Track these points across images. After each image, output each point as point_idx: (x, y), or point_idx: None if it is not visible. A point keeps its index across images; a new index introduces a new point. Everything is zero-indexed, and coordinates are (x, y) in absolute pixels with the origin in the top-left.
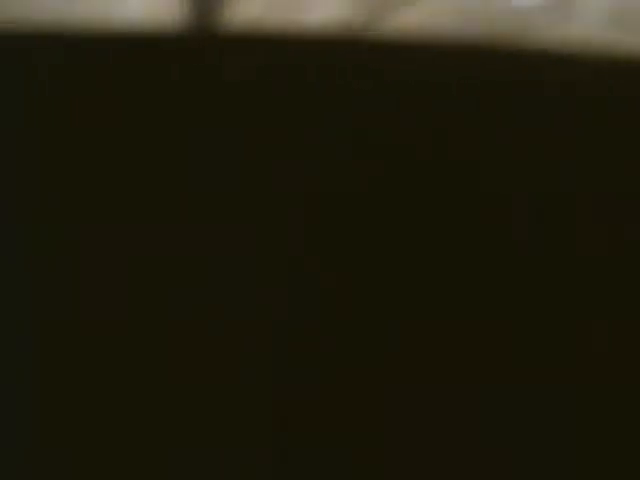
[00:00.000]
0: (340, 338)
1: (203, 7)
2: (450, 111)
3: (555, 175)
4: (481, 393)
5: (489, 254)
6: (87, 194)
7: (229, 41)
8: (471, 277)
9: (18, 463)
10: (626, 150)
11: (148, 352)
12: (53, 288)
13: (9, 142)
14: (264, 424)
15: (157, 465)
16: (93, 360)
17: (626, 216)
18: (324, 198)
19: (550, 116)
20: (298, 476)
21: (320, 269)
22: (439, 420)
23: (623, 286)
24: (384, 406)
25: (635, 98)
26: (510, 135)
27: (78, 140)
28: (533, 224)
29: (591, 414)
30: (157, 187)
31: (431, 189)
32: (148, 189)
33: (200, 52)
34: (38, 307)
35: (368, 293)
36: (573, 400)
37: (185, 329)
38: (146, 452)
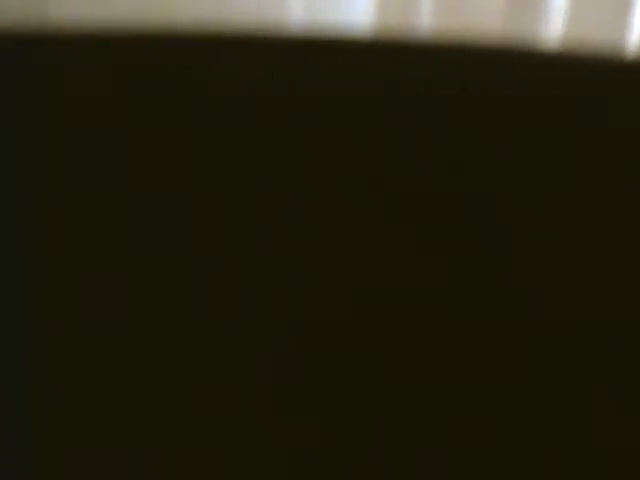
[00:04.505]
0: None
1: None
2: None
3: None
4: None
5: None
6: (87, 195)
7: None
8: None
9: (19, 463)
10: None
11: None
12: (53, 288)
13: (8, 142)
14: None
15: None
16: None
17: None
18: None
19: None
20: None
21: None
22: None
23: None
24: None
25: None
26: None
27: (77, 140)
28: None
29: None
30: (160, 190)
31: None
32: (151, 193)
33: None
34: (38, 308)
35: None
36: None
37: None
38: (145, 452)
